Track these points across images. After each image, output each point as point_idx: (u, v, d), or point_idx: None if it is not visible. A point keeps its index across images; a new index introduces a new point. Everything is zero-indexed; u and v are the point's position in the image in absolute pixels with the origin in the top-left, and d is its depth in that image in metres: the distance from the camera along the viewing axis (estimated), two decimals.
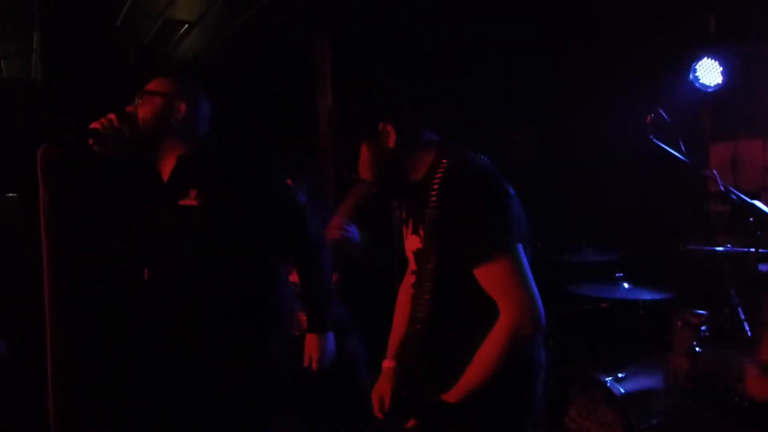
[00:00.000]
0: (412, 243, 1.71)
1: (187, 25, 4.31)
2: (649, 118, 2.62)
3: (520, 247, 1.54)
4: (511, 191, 1.60)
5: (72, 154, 1.70)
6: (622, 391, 2.69)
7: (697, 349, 2.48)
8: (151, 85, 1.97)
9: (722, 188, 2.60)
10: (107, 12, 4.00)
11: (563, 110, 3.88)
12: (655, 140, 2.64)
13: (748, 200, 2.54)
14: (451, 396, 1.57)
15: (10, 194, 4.09)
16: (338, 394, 2.75)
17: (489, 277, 1.52)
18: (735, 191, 2.60)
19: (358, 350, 2.83)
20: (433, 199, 1.56)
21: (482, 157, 1.66)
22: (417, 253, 1.67)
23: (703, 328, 2.52)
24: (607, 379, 2.74)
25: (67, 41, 4.49)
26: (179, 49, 4.78)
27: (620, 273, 3.02)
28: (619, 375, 2.76)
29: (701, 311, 2.62)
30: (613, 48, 3.55)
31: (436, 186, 1.56)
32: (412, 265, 1.75)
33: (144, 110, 1.93)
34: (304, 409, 2.66)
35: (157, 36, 4.48)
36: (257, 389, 2.03)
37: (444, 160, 1.59)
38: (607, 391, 2.70)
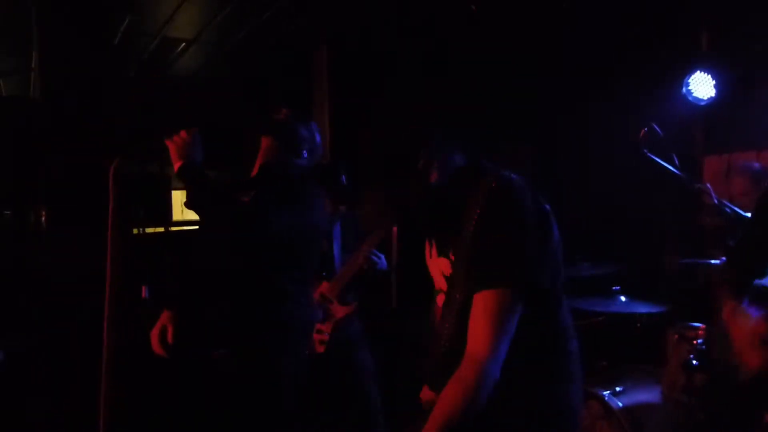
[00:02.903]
0: (441, 264, 1.66)
1: (184, 43, 4.35)
2: (643, 132, 2.64)
3: (517, 295, 1.39)
4: (547, 208, 1.49)
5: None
6: (620, 405, 2.68)
7: (694, 362, 2.47)
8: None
9: (716, 201, 2.61)
10: (105, 31, 4.04)
11: (560, 128, 3.90)
12: (649, 154, 2.65)
13: (742, 213, 2.55)
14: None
15: (6, 212, 4.13)
16: (346, 405, 2.79)
17: (475, 305, 1.40)
18: (729, 204, 2.61)
19: (368, 364, 2.86)
20: (471, 226, 1.43)
21: (513, 176, 1.51)
22: (448, 279, 1.57)
23: (699, 341, 2.51)
24: (604, 392, 2.72)
25: (65, 60, 4.53)
26: (177, 65, 4.83)
27: (617, 286, 3.02)
28: (617, 389, 2.75)
29: (697, 324, 2.62)
30: (608, 64, 3.58)
31: (476, 213, 1.42)
32: (442, 285, 1.67)
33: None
34: (312, 422, 2.67)
35: (156, 53, 4.52)
36: (262, 400, 2.05)
37: (480, 186, 1.45)
38: (605, 405, 2.69)
